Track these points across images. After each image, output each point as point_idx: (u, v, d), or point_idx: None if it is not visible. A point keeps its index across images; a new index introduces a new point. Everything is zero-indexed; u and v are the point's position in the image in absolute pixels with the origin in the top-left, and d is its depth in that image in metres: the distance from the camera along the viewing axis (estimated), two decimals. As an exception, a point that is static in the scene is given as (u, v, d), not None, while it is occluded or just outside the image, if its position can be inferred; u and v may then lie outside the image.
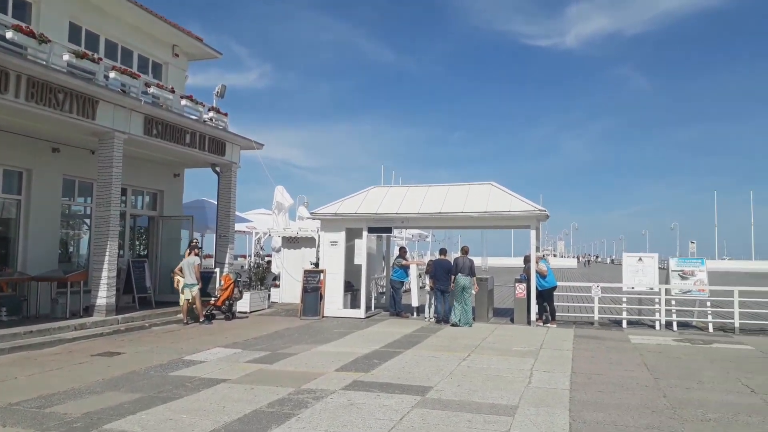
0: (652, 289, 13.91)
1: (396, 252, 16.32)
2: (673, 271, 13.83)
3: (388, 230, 15.79)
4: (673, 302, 13.71)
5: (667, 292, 13.59)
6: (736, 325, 12.95)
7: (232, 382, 7.57)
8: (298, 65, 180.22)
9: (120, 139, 12.50)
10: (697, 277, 13.58)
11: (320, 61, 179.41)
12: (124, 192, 14.74)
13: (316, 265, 16.00)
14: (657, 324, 13.49)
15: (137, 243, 16.90)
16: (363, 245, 14.96)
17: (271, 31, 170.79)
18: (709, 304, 13.64)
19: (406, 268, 15.30)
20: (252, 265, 18.13)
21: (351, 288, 15.16)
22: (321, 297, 14.71)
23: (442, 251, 15.00)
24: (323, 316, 14.58)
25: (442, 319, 13.83)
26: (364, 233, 14.89)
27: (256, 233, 20.88)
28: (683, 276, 13.64)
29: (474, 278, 13.71)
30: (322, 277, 14.82)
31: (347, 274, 15.03)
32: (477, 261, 40.86)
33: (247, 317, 14.75)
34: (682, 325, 13.66)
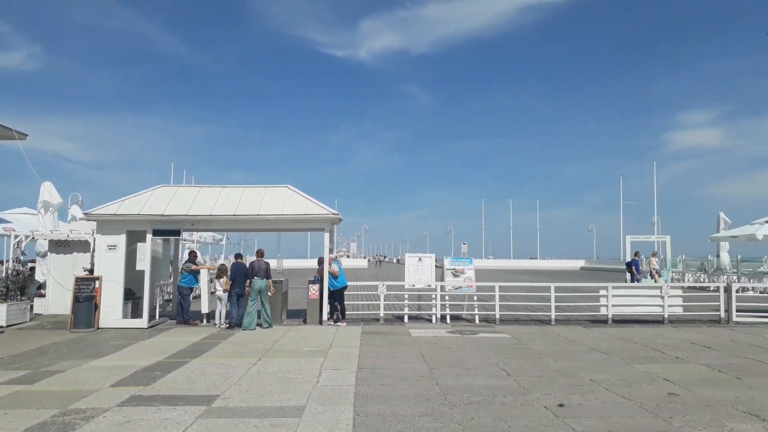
0: (429, 286, 15.30)
1: (186, 256, 15.50)
2: (447, 269, 15.38)
3: (177, 233, 14.93)
4: (447, 297, 15.21)
5: (442, 288, 15.05)
6: (497, 316, 14.86)
7: (-22, 410, 6.51)
8: (76, 50, 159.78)
9: None
10: (467, 274, 15.28)
11: (102, 48, 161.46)
12: None
13: (91, 271, 14.48)
14: (433, 318, 14.88)
15: None
16: (147, 249, 13.90)
17: (42, 10, 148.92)
18: (476, 298, 15.45)
19: (195, 273, 14.67)
20: (10, 272, 15.75)
21: (132, 296, 14.01)
22: (96, 307, 13.36)
23: (238, 255, 14.72)
24: (98, 328, 13.26)
25: (236, 323, 13.52)
26: (149, 236, 13.87)
27: (17, 236, 18.21)
28: (455, 274, 15.24)
29: (270, 281, 13.71)
30: (97, 285, 13.45)
31: (128, 281, 13.85)
32: (273, 263, 40.73)
33: (3, 332, 12.78)
34: (455, 317, 15.23)
